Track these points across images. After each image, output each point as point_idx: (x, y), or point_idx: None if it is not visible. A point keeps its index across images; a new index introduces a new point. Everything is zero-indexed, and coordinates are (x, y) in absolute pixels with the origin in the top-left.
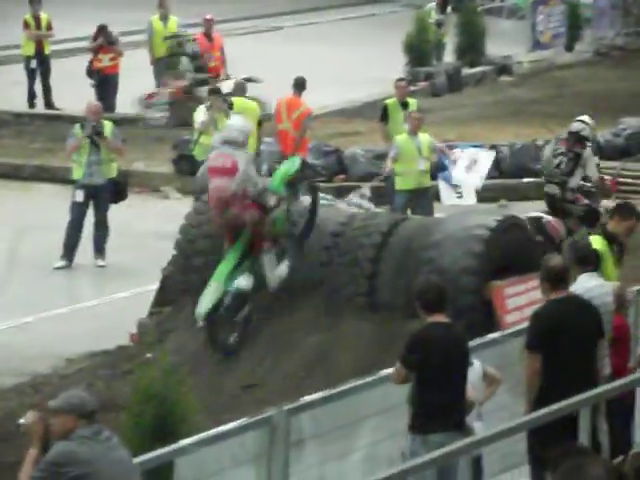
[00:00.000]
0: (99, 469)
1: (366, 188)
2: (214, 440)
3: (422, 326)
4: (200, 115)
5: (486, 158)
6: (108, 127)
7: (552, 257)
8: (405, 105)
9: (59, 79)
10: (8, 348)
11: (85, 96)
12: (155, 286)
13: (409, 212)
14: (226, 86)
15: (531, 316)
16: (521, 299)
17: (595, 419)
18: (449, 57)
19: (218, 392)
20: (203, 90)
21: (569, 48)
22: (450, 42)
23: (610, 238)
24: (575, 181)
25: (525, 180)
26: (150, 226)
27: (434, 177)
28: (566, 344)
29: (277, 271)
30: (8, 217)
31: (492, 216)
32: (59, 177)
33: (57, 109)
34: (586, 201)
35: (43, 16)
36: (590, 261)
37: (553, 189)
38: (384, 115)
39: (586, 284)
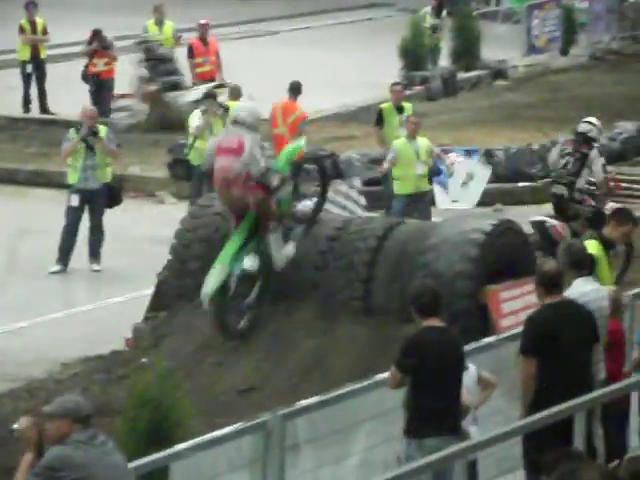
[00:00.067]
0: (94, 473)
1: (357, 179)
2: (209, 445)
3: (417, 330)
4: (195, 119)
5: (483, 175)
6: (103, 131)
7: (546, 262)
8: (400, 109)
9: (54, 84)
10: (3, 353)
11: (80, 101)
12: (150, 291)
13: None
14: (194, 94)
15: (525, 320)
16: (516, 303)
17: (590, 424)
18: (444, 61)
19: (213, 396)
20: (173, 95)
21: (564, 52)
22: (445, 46)
23: (606, 243)
24: (582, 181)
25: (520, 184)
26: (145, 231)
27: (430, 181)
28: (561, 348)
29: (283, 251)
30: (3, 222)
31: (487, 220)
32: (54, 182)
33: (52, 114)
34: (593, 203)
35: (39, 21)
36: (585, 265)
37: (560, 189)
38: (379, 119)
39: (581, 288)
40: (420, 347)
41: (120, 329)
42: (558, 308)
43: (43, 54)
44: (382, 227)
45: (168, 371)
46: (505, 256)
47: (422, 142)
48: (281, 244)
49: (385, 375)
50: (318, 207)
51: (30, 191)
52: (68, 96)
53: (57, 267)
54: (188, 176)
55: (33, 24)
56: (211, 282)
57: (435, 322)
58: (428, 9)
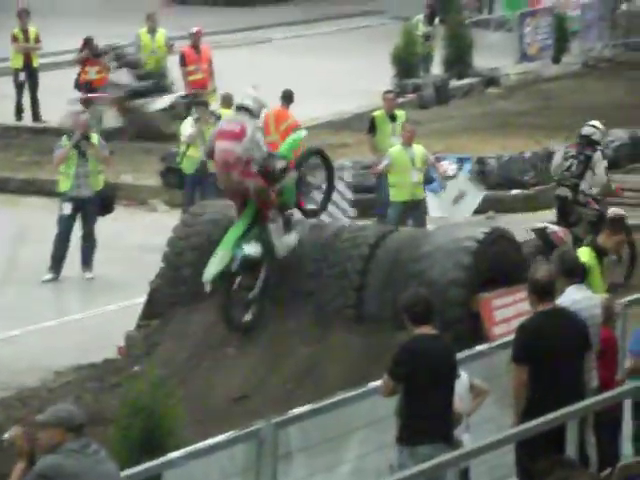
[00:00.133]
0: None
1: (349, 171)
2: (202, 453)
3: (410, 338)
4: (187, 128)
5: (474, 196)
6: (95, 138)
7: (538, 269)
8: (393, 117)
9: (47, 92)
10: None
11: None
12: (143, 299)
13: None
14: (162, 101)
15: (517, 328)
16: (509, 311)
17: (583, 431)
18: (437, 69)
19: (207, 404)
20: (140, 102)
21: (556, 60)
22: (438, 54)
23: (599, 251)
24: (586, 184)
25: (513, 192)
26: (138, 239)
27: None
28: (552, 356)
29: (286, 240)
30: None
31: (480, 228)
32: (46, 190)
33: (44, 122)
34: (597, 206)
35: (31, 29)
36: (577, 273)
37: (564, 191)
38: (372, 127)
39: (574, 296)
40: (413, 355)
41: (113, 337)
42: (550, 316)
43: (36, 62)
44: (375, 235)
45: (161, 379)
46: (497, 264)
47: (418, 150)
48: (282, 233)
49: (378, 383)
50: (326, 198)
51: (22, 200)
52: (61, 105)
53: (50, 275)
54: (180, 184)
55: (26, 32)
56: (213, 267)
57: (428, 330)
58: (421, 17)
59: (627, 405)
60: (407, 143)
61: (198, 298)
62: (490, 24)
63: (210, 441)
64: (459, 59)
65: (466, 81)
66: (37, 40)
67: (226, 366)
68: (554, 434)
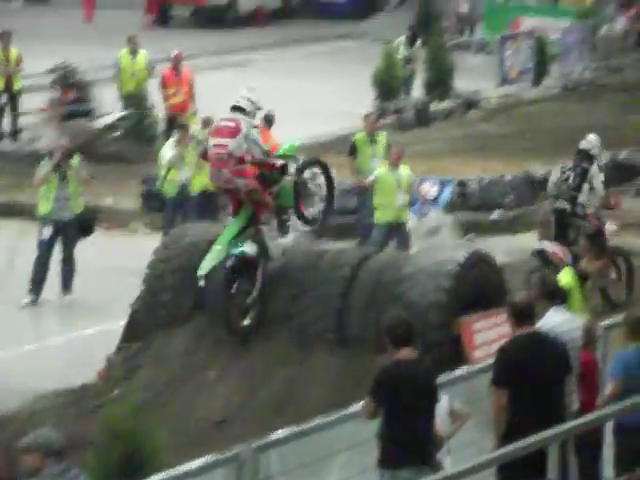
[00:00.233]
0: None
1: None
2: (182, 477)
3: (391, 361)
4: (168, 151)
5: (450, 233)
6: (75, 160)
7: (517, 293)
8: (374, 140)
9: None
10: None
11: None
12: (123, 322)
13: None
14: (106, 119)
15: (497, 351)
16: (489, 334)
17: (564, 455)
18: (418, 92)
19: (187, 428)
20: (81, 122)
21: (537, 83)
22: (419, 77)
23: (582, 275)
24: (584, 196)
25: (493, 214)
26: (118, 262)
27: None
28: (532, 379)
29: (280, 242)
30: None
31: (461, 251)
32: (27, 213)
33: (25, 145)
34: (596, 222)
35: (13, 51)
36: (558, 295)
37: (563, 204)
38: (353, 150)
39: (554, 318)
40: (394, 378)
41: (93, 361)
42: (529, 339)
43: (17, 85)
44: (357, 257)
45: (141, 403)
46: (478, 287)
47: (404, 172)
48: (275, 235)
49: (359, 406)
50: (326, 210)
51: (2, 223)
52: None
53: (29, 298)
54: (161, 208)
55: (7, 54)
56: (208, 262)
57: (409, 352)
58: (402, 39)
59: (608, 428)
60: (394, 164)
61: (179, 321)
62: (471, 47)
63: (190, 465)
64: (440, 82)
65: (447, 104)
66: (18, 62)
67: (207, 390)
68: (535, 457)
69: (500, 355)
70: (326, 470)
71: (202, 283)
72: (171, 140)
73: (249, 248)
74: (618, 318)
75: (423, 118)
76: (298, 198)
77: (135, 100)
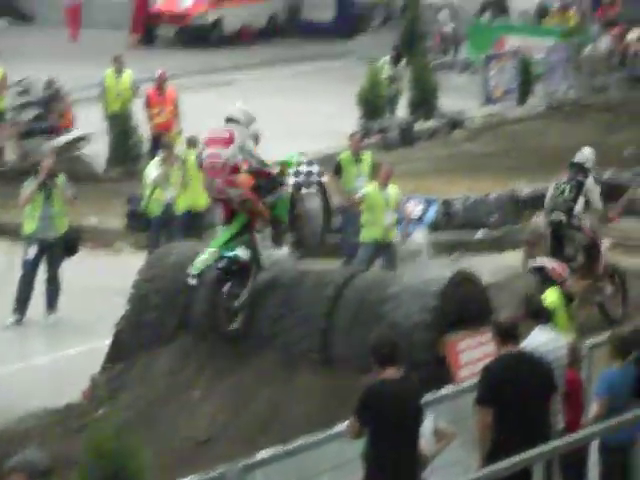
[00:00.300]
0: None
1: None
2: None
3: (376, 380)
4: (153, 170)
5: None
6: (61, 179)
7: (502, 312)
8: (359, 159)
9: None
10: None
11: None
12: (108, 342)
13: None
14: (65, 137)
15: (481, 370)
16: (474, 353)
17: (549, 474)
18: (402, 111)
19: (172, 448)
20: (34, 141)
21: (521, 102)
22: (403, 96)
23: (568, 295)
24: (579, 208)
25: (478, 233)
26: (103, 281)
27: None
28: (517, 398)
29: (273, 253)
30: None
31: (446, 270)
32: (11, 232)
33: (8, 164)
34: (591, 234)
35: None
36: (542, 314)
37: (559, 215)
38: (338, 169)
39: (539, 337)
40: (379, 397)
41: (77, 381)
42: (514, 358)
43: (1, 105)
44: (342, 276)
45: (125, 423)
46: (463, 306)
47: (392, 191)
48: (267, 245)
49: (344, 425)
50: (323, 230)
51: None
52: (27, 145)
53: (14, 318)
54: (146, 228)
55: None
56: (200, 263)
57: (394, 372)
58: (387, 59)
59: (593, 447)
60: (383, 184)
61: (163, 340)
62: (455, 66)
63: None
64: (424, 101)
65: (431, 123)
66: (3, 81)
67: (191, 409)
68: (520, 476)
69: (485, 374)
70: None
71: (193, 282)
72: (156, 159)
73: (242, 252)
74: (602, 337)
75: (408, 137)
76: (293, 215)
77: (120, 120)
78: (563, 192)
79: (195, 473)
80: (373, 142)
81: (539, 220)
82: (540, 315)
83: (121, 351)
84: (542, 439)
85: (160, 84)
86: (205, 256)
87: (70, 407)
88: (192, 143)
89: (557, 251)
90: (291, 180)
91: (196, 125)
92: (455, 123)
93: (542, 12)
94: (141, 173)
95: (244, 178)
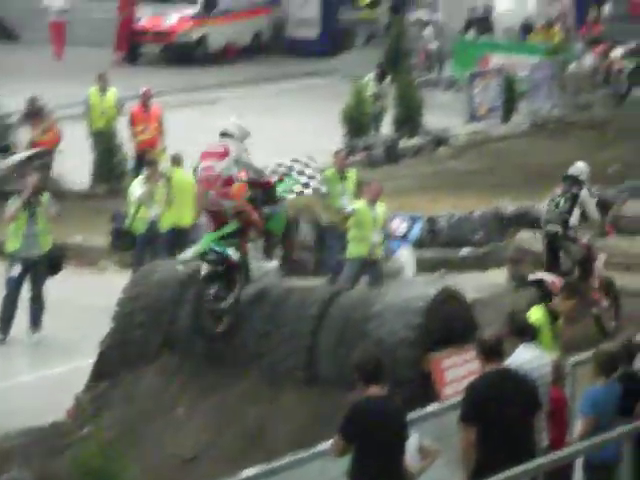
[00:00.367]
0: None
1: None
2: None
3: (360, 398)
4: (137, 188)
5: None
6: (44, 197)
7: (486, 330)
8: (344, 176)
9: None
10: None
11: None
12: (92, 360)
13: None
14: (18, 156)
15: (466, 388)
16: (459, 371)
17: None
18: (387, 128)
19: (156, 466)
20: None
21: (505, 120)
22: (388, 113)
23: (553, 313)
24: (574, 220)
25: (463, 251)
26: (88, 299)
27: None
28: (501, 416)
29: (262, 265)
30: None
31: (430, 288)
32: None
33: None
34: (587, 248)
35: None
36: (527, 332)
37: (554, 227)
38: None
39: (524, 355)
40: (363, 415)
41: (62, 399)
42: (498, 375)
43: None
44: (327, 294)
45: (110, 440)
46: (448, 324)
47: (380, 209)
48: (259, 256)
49: (329, 444)
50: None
51: None
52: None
53: None
54: (131, 245)
55: None
56: (190, 251)
57: (379, 389)
58: (372, 76)
59: (578, 464)
60: (372, 201)
61: (148, 358)
62: (440, 84)
63: None
64: (409, 119)
65: (416, 140)
66: None
67: (176, 427)
68: None
69: (469, 392)
70: None
71: (181, 268)
72: (140, 177)
73: (233, 253)
74: (586, 354)
75: (392, 155)
76: (286, 234)
77: (104, 137)
78: (558, 205)
79: None
80: (358, 159)
81: (524, 237)
82: (525, 333)
83: (105, 369)
84: (526, 457)
85: (145, 102)
86: (195, 247)
87: (55, 426)
88: (176, 161)
89: (553, 265)
90: (302, 179)
91: (181, 142)
92: (440, 141)
93: (527, 29)
94: (125, 191)
95: (238, 189)
